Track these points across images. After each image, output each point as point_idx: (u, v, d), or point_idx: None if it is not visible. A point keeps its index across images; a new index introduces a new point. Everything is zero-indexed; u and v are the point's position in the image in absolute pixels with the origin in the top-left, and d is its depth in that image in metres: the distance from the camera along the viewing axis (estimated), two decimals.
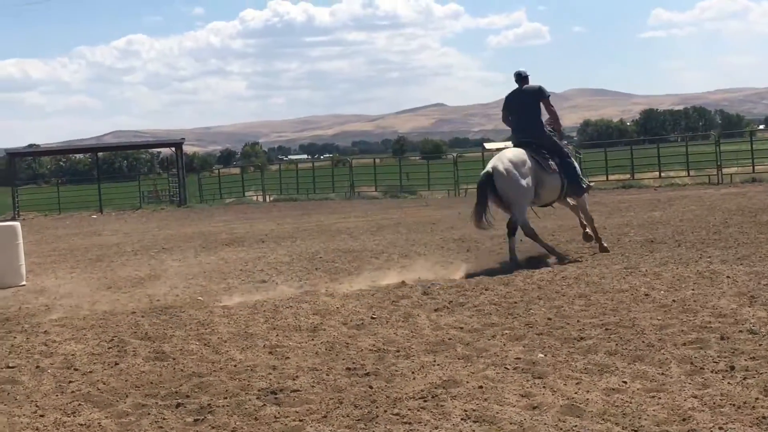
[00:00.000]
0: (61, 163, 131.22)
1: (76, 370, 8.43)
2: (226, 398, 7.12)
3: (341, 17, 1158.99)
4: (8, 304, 12.72)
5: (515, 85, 14.43)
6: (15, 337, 10.12)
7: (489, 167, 13.79)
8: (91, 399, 7.34)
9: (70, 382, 7.99)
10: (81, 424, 6.71)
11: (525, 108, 14.31)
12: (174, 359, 8.57)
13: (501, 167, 13.60)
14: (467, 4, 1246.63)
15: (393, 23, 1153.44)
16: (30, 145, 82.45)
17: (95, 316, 11.21)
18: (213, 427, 6.46)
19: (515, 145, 14.38)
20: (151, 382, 7.77)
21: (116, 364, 8.54)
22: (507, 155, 13.92)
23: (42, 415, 6.98)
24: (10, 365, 8.77)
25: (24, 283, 15.07)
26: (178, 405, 7.00)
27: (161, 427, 6.53)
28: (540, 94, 14.37)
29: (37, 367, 8.62)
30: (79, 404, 7.21)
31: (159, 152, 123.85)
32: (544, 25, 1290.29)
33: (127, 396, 7.38)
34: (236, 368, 8.08)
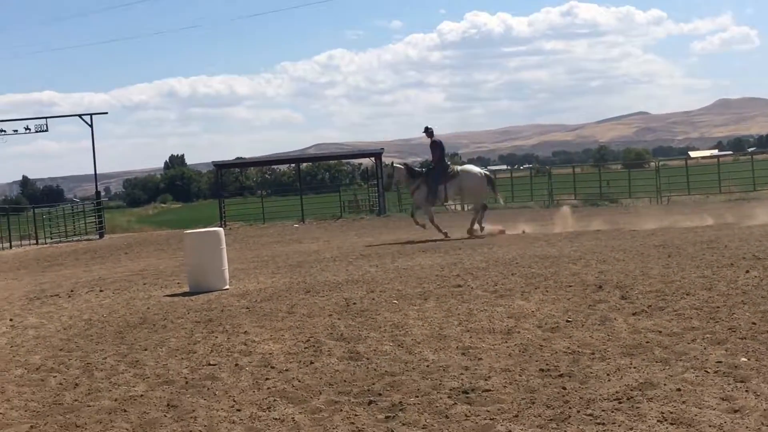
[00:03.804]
0: (266, 175, 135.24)
1: (272, 368, 8.64)
2: (417, 397, 7.13)
3: (539, 27, 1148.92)
4: (212, 306, 13.16)
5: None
6: (216, 337, 10.47)
7: (484, 171, 26.54)
8: (286, 395, 7.49)
9: (267, 379, 8.19)
10: (275, 419, 6.85)
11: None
12: (368, 359, 8.66)
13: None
14: (670, 9, 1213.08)
15: (593, 31, 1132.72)
16: (237, 158, 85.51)
17: (293, 318, 11.45)
18: (404, 424, 6.47)
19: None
20: (345, 381, 7.87)
21: (311, 363, 8.69)
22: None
23: (239, 410, 7.18)
24: (211, 363, 9.08)
25: (227, 287, 15.50)
26: (370, 402, 7.06)
27: (353, 423, 6.59)
28: None
29: (236, 365, 8.88)
30: (275, 400, 7.37)
31: (360, 164, 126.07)
32: (752, 28, 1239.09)
33: (320, 393, 7.49)
34: (428, 368, 8.07)
